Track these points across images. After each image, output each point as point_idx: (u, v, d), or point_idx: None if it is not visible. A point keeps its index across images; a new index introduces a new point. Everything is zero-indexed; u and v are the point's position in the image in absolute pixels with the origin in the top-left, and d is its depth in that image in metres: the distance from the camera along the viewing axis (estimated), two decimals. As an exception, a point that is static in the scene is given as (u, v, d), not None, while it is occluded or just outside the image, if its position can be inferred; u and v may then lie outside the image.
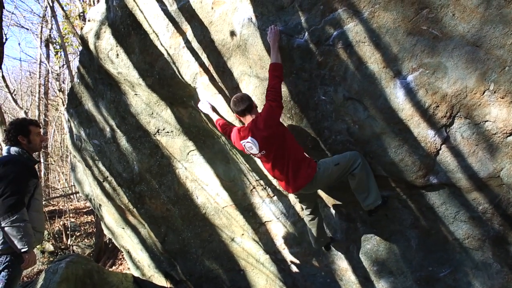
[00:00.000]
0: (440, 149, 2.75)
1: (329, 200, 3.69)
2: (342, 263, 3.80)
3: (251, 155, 3.30)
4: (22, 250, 3.02)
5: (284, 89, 3.14)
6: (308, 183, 3.12)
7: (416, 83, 2.66)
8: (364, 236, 3.58)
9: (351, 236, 3.67)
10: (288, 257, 4.15)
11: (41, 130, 3.50)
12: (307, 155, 3.22)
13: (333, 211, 3.73)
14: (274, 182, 3.90)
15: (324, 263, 3.93)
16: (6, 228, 2.98)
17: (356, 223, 3.59)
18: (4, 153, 3.28)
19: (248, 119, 3.17)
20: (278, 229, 4.13)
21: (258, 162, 3.85)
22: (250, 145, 3.14)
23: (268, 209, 4.11)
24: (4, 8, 4.21)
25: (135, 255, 6.14)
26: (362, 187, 3.12)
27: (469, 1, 2.40)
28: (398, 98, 2.74)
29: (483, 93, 2.48)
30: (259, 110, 3.26)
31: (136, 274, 6.14)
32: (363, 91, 2.85)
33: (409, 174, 2.95)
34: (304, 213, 3.69)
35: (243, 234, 4.39)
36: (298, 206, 3.88)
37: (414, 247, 3.33)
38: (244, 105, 3.13)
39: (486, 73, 2.44)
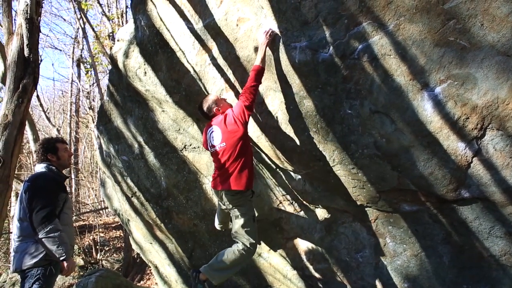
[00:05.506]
0: (471, 161, 2.68)
1: (357, 215, 3.62)
2: (371, 280, 3.70)
3: (210, 148, 3.48)
4: (61, 258, 3.14)
5: (309, 104, 3.14)
6: (234, 190, 3.31)
7: (445, 94, 2.61)
8: (393, 252, 3.49)
9: (380, 252, 3.58)
10: (316, 273, 4.08)
11: (67, 146, 3.66)
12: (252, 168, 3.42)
13: (361, 226, 3.66)
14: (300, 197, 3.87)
15: (352, 280, 3.84)
16: (43, 239, 3.11)
17: (385, 238, 3.51)
18: (36, 170, 3.44)
19: (216, 117, 3.43)
20: (305, 245, 4.08)
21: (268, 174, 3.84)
22: (214, 134, 3.37)
23: (295, 224, 4.07)
24: (40, 32, 4.41)
25: (162, 270, 6.18)
26: (230, 260, 3.36)
27: (499, 10, 2.35)
28: (426, 110, 2.69)
29: (516, 103, 2.41)
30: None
31: (164, 289, 6.17)
32: (390, 104, 2.81)
33: (439, 187, 2.87)
34: (217, 220, 4.02)
35: (270, 250, 4.35)
36: (325, 221, 3.83)
37: (447, 263, 3.22)
38: (202, 112, 3.48)
39: (519, 83, 2.37)
